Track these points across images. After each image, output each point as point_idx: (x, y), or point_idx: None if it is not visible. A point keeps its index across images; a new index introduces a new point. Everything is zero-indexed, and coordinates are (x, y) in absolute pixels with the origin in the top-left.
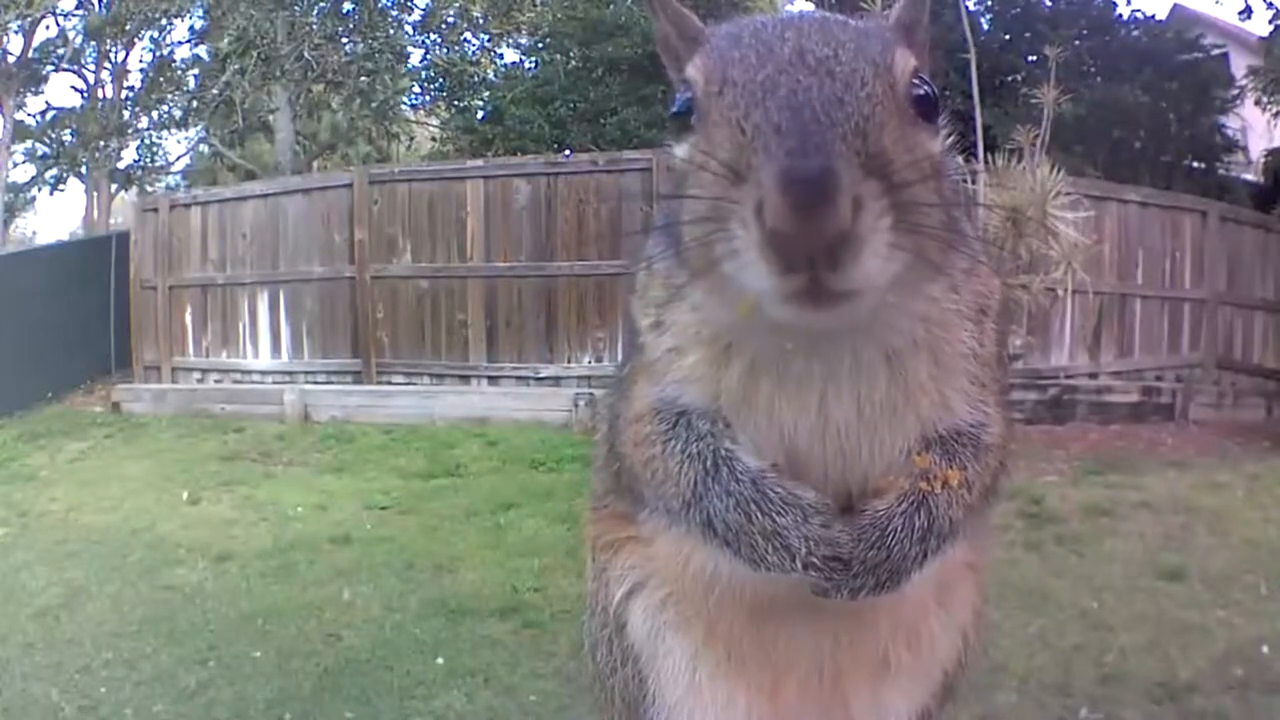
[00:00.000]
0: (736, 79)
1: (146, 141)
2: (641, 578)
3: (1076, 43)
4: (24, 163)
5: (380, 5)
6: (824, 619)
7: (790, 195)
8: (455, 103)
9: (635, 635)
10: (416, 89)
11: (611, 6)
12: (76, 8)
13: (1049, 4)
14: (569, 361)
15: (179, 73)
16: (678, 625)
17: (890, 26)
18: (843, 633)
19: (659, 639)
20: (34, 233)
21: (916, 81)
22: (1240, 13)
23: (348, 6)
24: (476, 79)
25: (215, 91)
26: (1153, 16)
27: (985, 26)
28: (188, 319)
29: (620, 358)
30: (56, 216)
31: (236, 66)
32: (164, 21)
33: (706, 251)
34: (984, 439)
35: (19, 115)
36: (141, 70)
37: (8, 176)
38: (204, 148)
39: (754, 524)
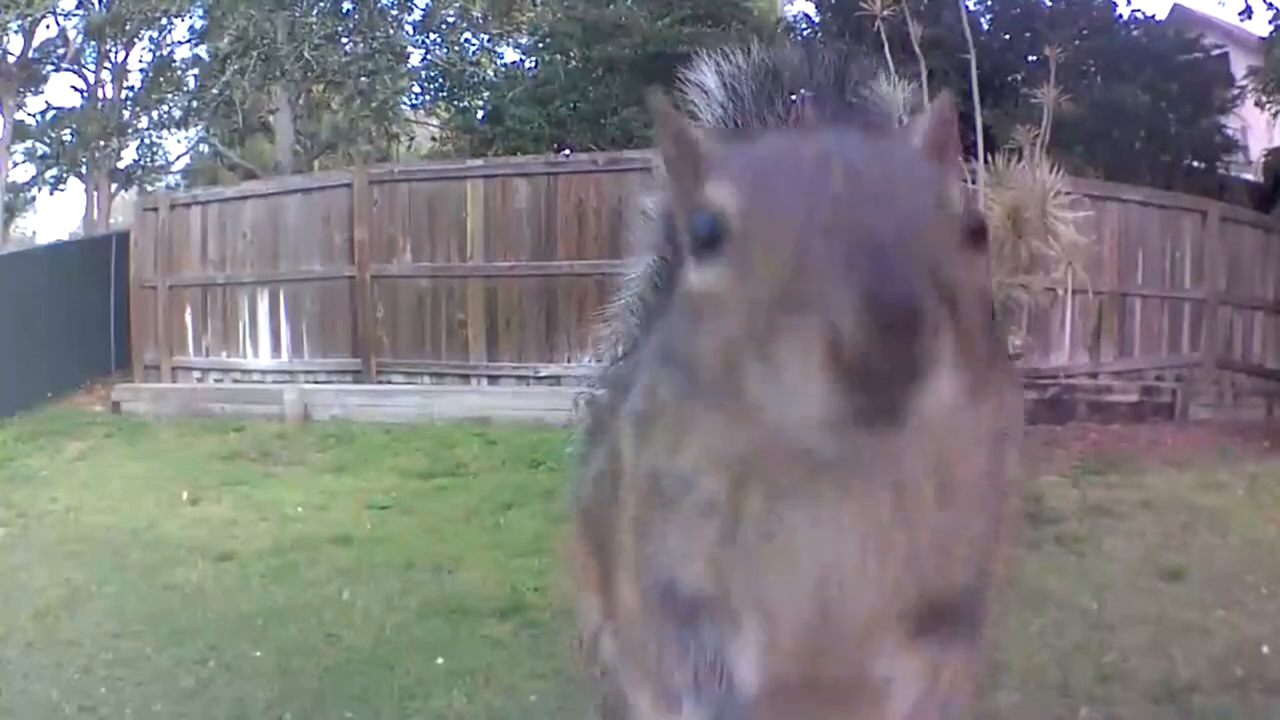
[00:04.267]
0: (783, 202)
1: (146, 141)
2: (603, 619)
3: (1076, 43)
4: (24, 163)
5: (380, 5)
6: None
7: (873, 319)
8: (455, 103)
9: (607, 657)
10: (416, 89)
11: (611, 6)
12: (76, 8)
13: (1049, 4)
14: (569, 361)
15: (179, 73)
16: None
17: (924, 146)
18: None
19: (626, 665)
20: (34, 233)
21: (971, 211)
22: (1240, 13)
23: (348, 6)
24: (476, 79)
25: (215, 91)
26: (1153, 16)
27: (985, 26)
28: (188, 319)
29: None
30: (56, 216)
31: (236, 66)
32: (164, 21)
33: (739, 384)
34: (982, 611)
35: (19, 115)
36: (141, 70)
37: (8, 176)
38: (204, 148)
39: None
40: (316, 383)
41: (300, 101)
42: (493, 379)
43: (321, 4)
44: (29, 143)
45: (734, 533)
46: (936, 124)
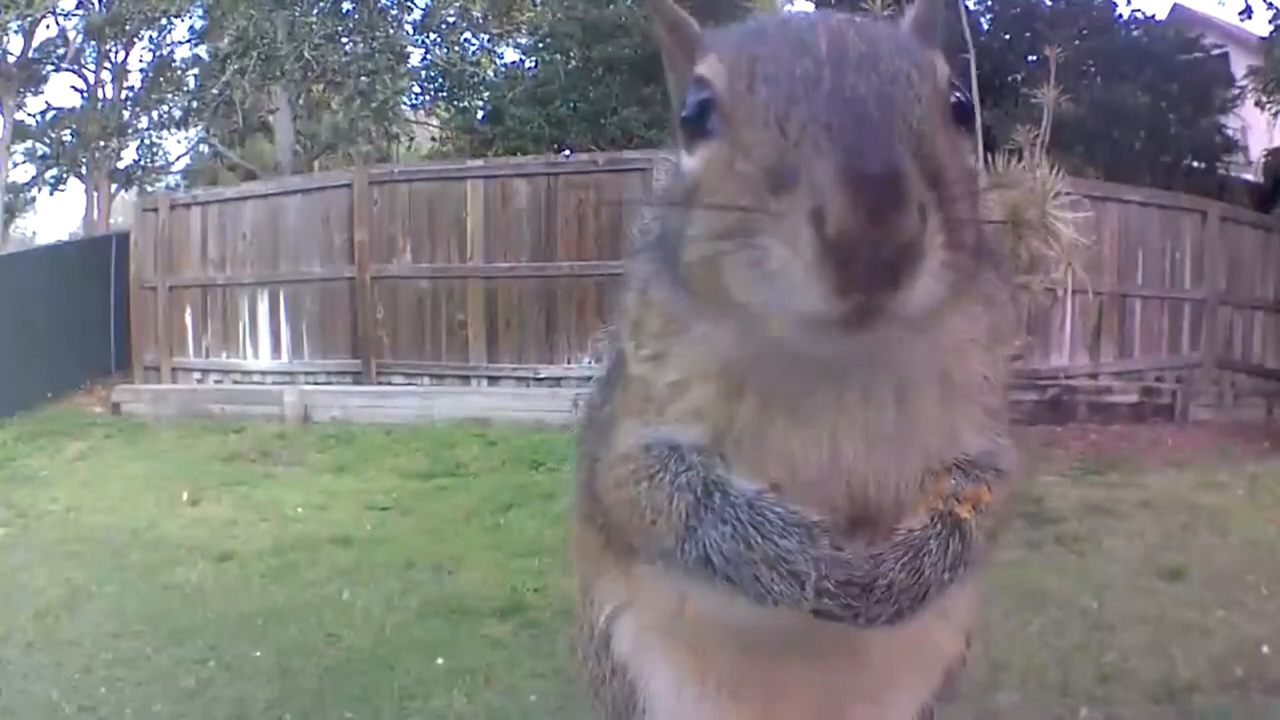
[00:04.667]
0: (770, 74)
1: (146, 141)
2: (625, 600)
3: (1076, 43)
4: (24, 163)
5: (380, 5)
6: (821, 647)
7: (860, 196)
8: (455, 103)
9: (621, 651)
10: (416, 89)
11: (611, 6)
12: (76, 8)
13: (1049, 4)
14: (569, 362)
15: (179, 73)
16: (662, 650)
17: (909, 28)
18: (842, 658)
19: (645, 659)
20: (34, 233)
21: (954, 87)
22: (1240, 13)
23: (348, 6)
24: (476, 79)
25: (215, 91)
26: (1153, 16)
27: (985, 26)
28: (188, 319)
29: (597, 394)
30: (56, 216)
31: (236, 66)
32: (164, 21)
33: (725, 273)
34: (1001, 466)
35: (19, 115)
36: (141, 70)
37: (8, 176)
38: (204, 148)
39: (754, 550)
40: (316, 384)
41: (300, 101)
42: (493, 380)
43: (321, 4)
44: (29, 143)
45: (725, 437)
46: (923, 5)
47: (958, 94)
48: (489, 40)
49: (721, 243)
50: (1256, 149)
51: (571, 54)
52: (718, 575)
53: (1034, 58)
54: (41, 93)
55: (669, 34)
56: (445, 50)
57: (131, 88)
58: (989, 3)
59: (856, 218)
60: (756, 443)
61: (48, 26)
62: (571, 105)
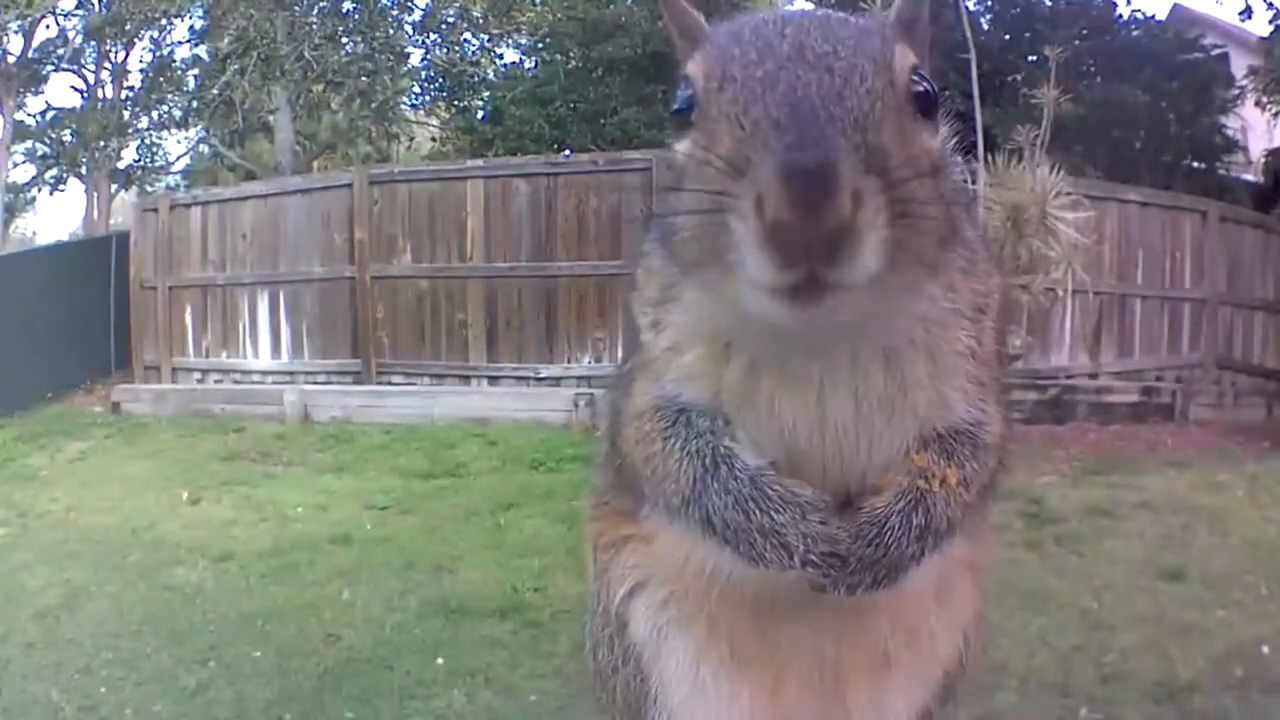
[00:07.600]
0: (736, 75)
1: (146, 141)
2: (643, 577)
3: (1076, 43)
4: (24, 163)
5: (380, 5)
6: (825, 616)
7: (790, 188)
8: (455, 103)
9: (637, 635)
10: (416, 89)
11: (611, 6)
12: (76, 8)
13: (1049, 4)
14: (569, 362)
15: (179, 73)
16: (680, 624)
17: (890, 23)
18: (843, 630)
19: (661, 638)
20: (34, 233)
21: (916, 78)
22: (1240, 13)
23: (348, 6)
24: (476, 79)
25: (215, 91)
26: (1153, 16)
27: (985, 26)
28: (188, 319)
29: (621, 354)
30: (56, 216)
31: (236, 66)
32: (164, 21)
33: (703, 247)
34: (982, 438)
35: (19, 115)
36: (141, 70)
37: (8, 176)
38: (204, 148)
39: (752, 522)
40: (316, 383)
41: (300, 101)
42: (493, 380)
43: (321, 4)
44: (29, 143)
45: (717, 394)
46: (905, 2)
47: (923, 84)
48: (489, 40)
49: (698, 219)
50: (1256, 149)
51: (571, 54)
52: (716, 536)
53: (1034, 58)
54: (41, 93)
55: (676, 29)
56: (445, 50)
57: (131, 88)
58: (989, 3)
59: (786, 206)
60: (747, 405)
61: (48, 26)
62: (571, 105)
